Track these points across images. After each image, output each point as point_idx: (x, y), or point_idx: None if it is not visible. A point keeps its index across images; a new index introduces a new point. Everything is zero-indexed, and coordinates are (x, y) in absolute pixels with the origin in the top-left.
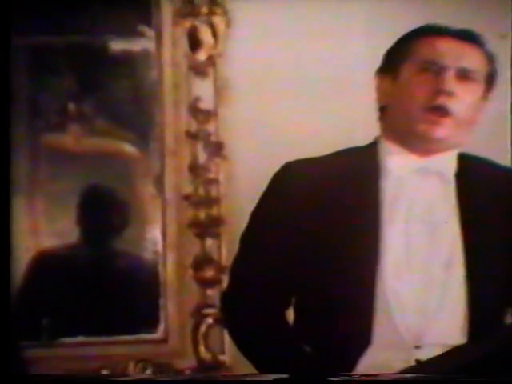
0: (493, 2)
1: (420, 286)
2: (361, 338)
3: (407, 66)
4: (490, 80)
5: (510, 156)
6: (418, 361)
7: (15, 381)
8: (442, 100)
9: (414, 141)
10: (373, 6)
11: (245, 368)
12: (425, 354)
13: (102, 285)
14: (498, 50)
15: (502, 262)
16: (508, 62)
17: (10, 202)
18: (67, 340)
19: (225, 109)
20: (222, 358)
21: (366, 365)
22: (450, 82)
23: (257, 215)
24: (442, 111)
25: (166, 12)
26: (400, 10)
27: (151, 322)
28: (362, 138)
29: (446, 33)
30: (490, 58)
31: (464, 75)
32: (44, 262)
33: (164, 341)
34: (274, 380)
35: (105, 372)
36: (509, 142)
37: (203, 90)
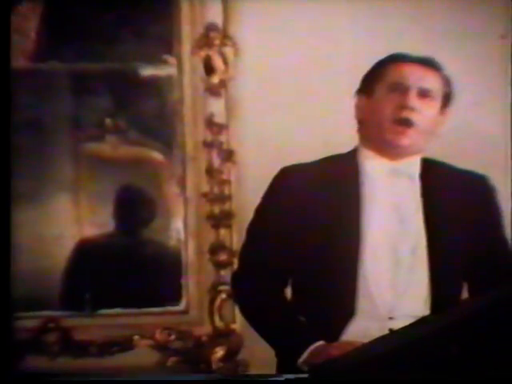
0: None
1: (392, 268)
2: (346, 311)
3: (379, 87)
4: (447, 98)
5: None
6: (390, 330)
7: (15, 381)
8: (406, 114)
9: (385, 147)
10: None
11: (252, 335)
12: (397, 324)
13: (133, 266)
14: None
15: (458, 248)
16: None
17: (10, 207)
18: (106, 311)
19: (234, 122)
20: (233, 326)
21: (350, 332)
22: (413, 99)
23: (260, 210)
24: (406, 123)
25: (186, 44)
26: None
27: (175, 297)
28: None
29: (410, 59)
30: (447, 81)
31: (424, 94)
32: (86, 248)
33: (185, 312)
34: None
35: (136, 337)
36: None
37: (216, 107)
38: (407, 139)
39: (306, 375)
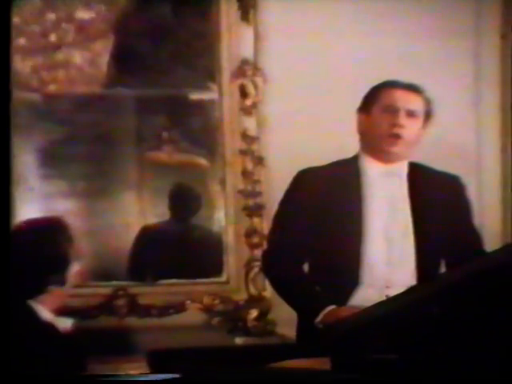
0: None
1: (387, 248)
2: (352, 282)
3: (375, 108)
4: (427, 115)
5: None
6: (387, 296)
7: (15, 381)
8: (396, 130)
9: (381, 154)
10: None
11: (278, 300)
12: (392, 292)
13: (185, 246)
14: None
15: (437, 232)
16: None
17: (9, 209)
18: (164, 281)
19: (263, 135)
20: (263, 293)
21: (355, 299)
22: (402, 118)
23: (283, 204)
24: (397, 137)
25: (225, 74)
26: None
27: (218, 270)
28: None
29: (400, 86)
30: (428, 101)
31: (411, 114)
32: (148, 232)
33: (226, 282)
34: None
35: (188, 302)
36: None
37: (249, 123)
38: (397, 148)
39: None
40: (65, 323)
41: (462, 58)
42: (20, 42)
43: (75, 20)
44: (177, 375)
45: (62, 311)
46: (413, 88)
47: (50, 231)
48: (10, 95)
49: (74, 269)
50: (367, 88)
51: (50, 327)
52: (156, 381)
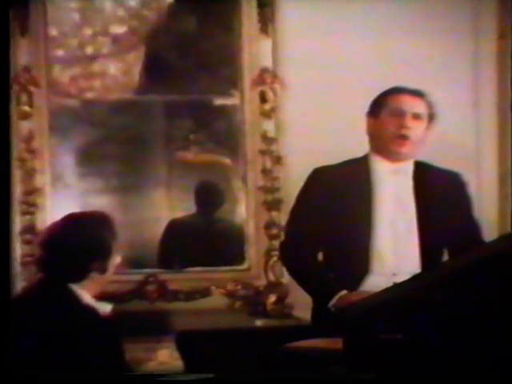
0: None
1: (394, 239)
2: (362, 269)
3: (383, 112)
4: (431, 118)
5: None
6: (394, 283)
7: (15, 381)
8: (403, 131)
9: (389, 154)
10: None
11: (295, 286)
12: (398, 279)
13: (210, 237)
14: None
15: (440, 224)
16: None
17: (10, 210)
18: (190, 269)
19: (281, 137)
20: (281, 279)
21: (365, 285)
22: (408, 121)
23: (299, 199)
24: (404, 138)
25: (246, 82)
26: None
27: (240, 259)
28: None
29: (405, 91)
30: (431, 105)
31: (416, 117)
32: (176, 225)
33: (248, 270)
34: None
35: (213, 287)
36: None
37: (269, 126)
38: (404, 148)
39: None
40: (105, 307)
41: (461, 59)
42: (59, 53)
43: (110, 34)
44: (210, 375)
45: (100, 296)
46: (417, 93)
47: (95, 223)
48: (9, 94)
49: (116, 260)
50: (374, 91)
51: (90, 310)
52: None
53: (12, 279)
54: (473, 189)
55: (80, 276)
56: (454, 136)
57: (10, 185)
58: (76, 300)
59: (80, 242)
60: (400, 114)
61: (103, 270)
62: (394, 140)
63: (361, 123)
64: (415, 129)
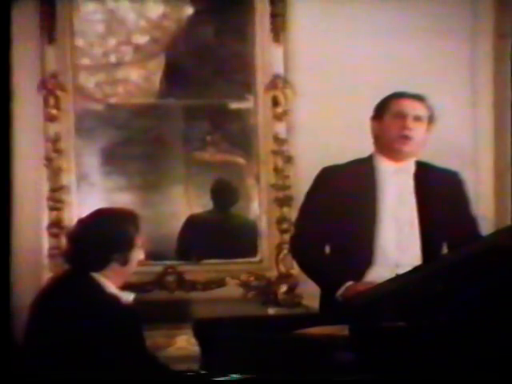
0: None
1: (396, 233)
2: (367, 261)
3: (386, 115)
4: (431, 119)
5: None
6: (396, 274)
7: (15, 381)
8: (406, 132)
9: (392, 154)
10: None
11: (304, 277)
12: (401, 271)
13: (225, 232)
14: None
15: (439, 219)
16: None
17: (10, 211)
18: (207, 261)
19: (292, 138)
20: (291, 271)
21: (370, 276)
22: (410, 123)
23: (308, 196)
24: (406, 138)
25: (260, 87)
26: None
27: (253, 252)
28: None
29: (407, 96)
30: (430, 108)
31: (417, 119)
32: (194, 220)
33: (260, 262)
34: None
35: (228, 278)
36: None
37: (280, 128)
38: (408, 147)
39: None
40: (127, 296)
41: (459, 60)
42: (85, 61)
43: (132, 43)
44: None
45: (123, 286)
46: (418, 97)
47: (121, 219)
48: (10, 96)
49: (140, 256)
50: (379, 95)
51: (114, 299)
52: None
53: (11, 285)
54: (470, 186)
55: (101, 265)
56: (453, 135)
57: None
58: (100, 289)
59: (103, 235)
60: (402, 117)
61: (124, 262)
62: (397, 140)
63: (366, 125)
64: (416, 130)
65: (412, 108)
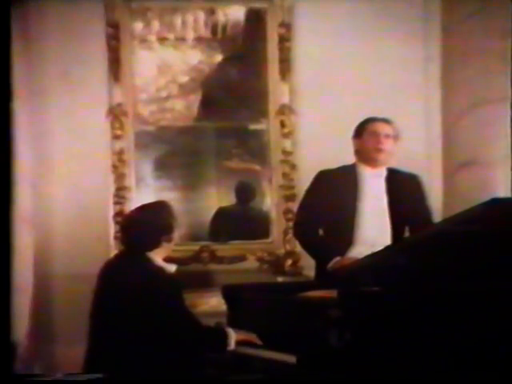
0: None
1: (372, 221)
2: (350, 241)
3: (364, 134)
4: (396, 137)
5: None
6: (372, 251)
7: (15, 381)
8: (379, 146)
9: (370, 162)
10: None
11: (304, 254)
12: (376, 249)
13: (246, 220)
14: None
15: (404, 211)
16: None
17: (10, 211)
18: (232, 242)
19: (296, 151)
20: (295, 249)
21: (352, 252)
22: (382, 139)
23: (306, 193)
24: (379, 150)
25: (272, 113)
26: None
27: (267, 235)
28: None
29: (378, 120)
30: (395, 129)
31: (387, 136)
32: (222, 211)
33: (272, 243)
34: None
35: (247, 254)
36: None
37: (287, 144)
38: (381, 157)
39: None
40: (171, 267)
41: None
42: (142, 95)
43: (177, 82)
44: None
45: (168, 260)
46: (386, 120)
47: (160, 209)
48: (10, 90)
49: (177, 234)
50: (364, 117)
51: (160, 269)
52: None
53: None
54: (426, 186)
55: (155, 245)
56: (411, 147)
57: None
58: (151, 263)
59: (153, 222)
60: (376, 135)
61: (169, 240)
62: (373, 151)
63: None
64: (386, 144)
65: (382, 128)
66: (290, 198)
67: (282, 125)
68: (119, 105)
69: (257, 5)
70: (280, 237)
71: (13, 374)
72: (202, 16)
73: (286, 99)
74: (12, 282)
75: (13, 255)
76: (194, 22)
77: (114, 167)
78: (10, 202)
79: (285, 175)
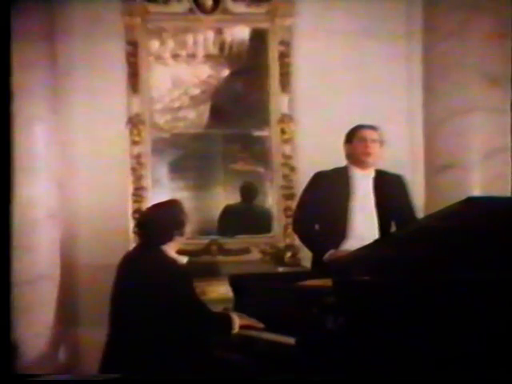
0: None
1: (362, 217)
2: (342, 235)
3: (354, 139)
4: (381, 142)
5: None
6: (362, 245)
7: (15, 381)
8: (367, 150)
9: (360, 164)
10: None
11: (302, 246)
12: (366, 242)
13: (250, 216)
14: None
15: (390, 208)
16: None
17: (10, 210)
18: (237, 236)
19: (295, 155)
20: (294, 243)
21: (345, 246)
22: (369, 143)
23: (304, 192)
24: (367, 153)
25: (274, 121)
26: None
27: (269, 230)
28: None
29: (366, 127)
30: (381, 134)
31: (373, 141)
32: (228, 208)
33: (273, 236)
34: None
35: (251, 247)
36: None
37: (287, 148)
38: (369, 160)
39: None
40: (182, 259)
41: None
42: (158, 106)
43: (189, 94)
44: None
45: (180, 252)
46: (373, 128)
47: (172, 206)
48: (10, 98)
49: (188, 229)
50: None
51: (173, 260)
52: None
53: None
54: (410, 185)
55: (168, 239)
56: (396, 151)
57: None
58: (164, 254)
59: (167, 219)
60: (364, 140)
61: (181, 235)
62: (362, 155)
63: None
64: (374, 148)
65: (370, 134)
66: (289, 197)
67: (283, 132)
68: (137, 114)
69: (259, 25)
70: (281, 232)
71: (13, 374)
72: (211, 35)
73: (285, 109)
74: (12, 282)
75: (12, 255)
76: (204, 40)
77: (133, 169)
78: (9, 202)
79: (285, 176)
